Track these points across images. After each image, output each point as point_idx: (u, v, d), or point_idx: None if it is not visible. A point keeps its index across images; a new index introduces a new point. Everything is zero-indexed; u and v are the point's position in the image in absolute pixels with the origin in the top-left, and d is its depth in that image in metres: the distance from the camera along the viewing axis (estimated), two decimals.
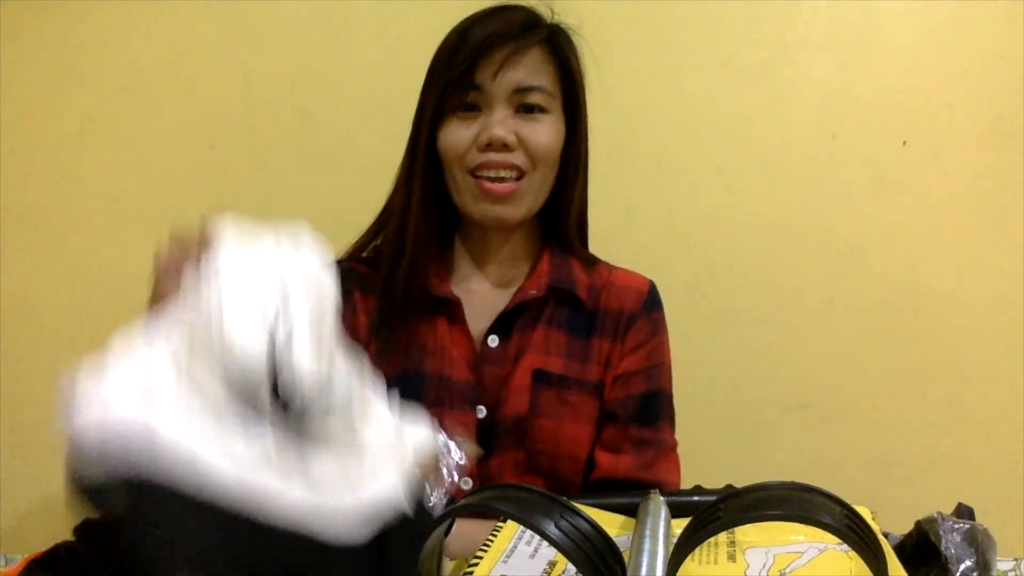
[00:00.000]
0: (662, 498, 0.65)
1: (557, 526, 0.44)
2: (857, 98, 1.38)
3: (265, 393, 0.51)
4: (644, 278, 1.00)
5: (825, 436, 1.43)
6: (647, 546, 0.55)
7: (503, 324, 0.94)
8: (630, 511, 0.67)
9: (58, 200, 1.44)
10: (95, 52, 1.41)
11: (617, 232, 1.41)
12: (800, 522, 0.43)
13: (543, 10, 0.94)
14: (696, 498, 0.74)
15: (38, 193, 1.43)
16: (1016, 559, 0.74)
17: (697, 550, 0.59)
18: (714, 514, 0.45)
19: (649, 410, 0.95)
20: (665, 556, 0.53)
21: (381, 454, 0.58)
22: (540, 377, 0.92)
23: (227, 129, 1.42)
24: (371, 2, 1.40)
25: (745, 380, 1.43)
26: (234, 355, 0.50)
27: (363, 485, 0.54)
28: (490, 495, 0.49)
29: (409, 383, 0.91)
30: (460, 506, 0.50)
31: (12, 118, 1.42)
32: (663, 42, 1.39)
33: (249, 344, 0.51)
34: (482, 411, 0.92)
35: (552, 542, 0.44)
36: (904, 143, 1.38)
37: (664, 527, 0.59)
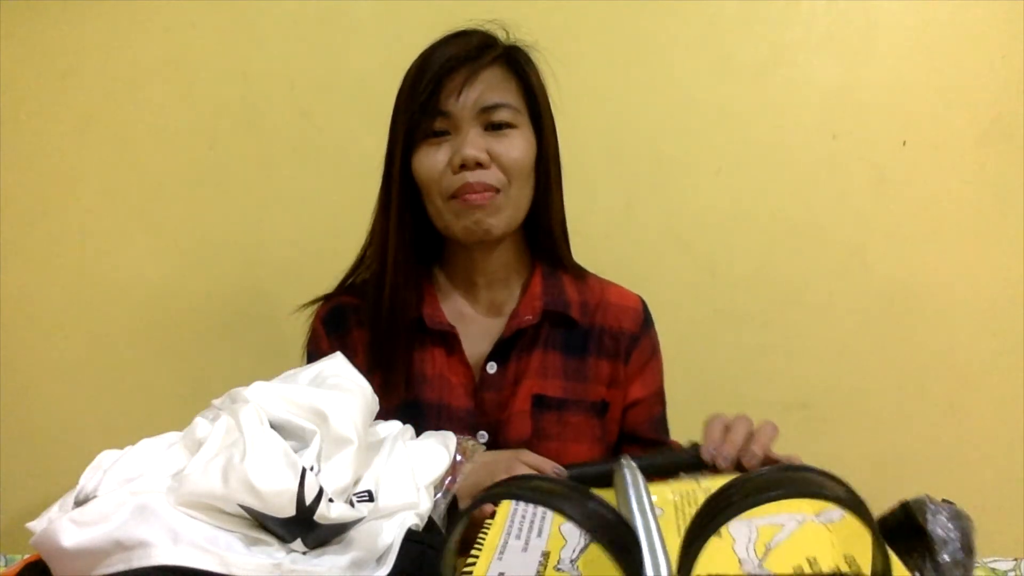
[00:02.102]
0: (635, 463, 0.66)
1: (581, 511, 0.47)
2: (857, 98, 1.38)
3: (282, 526, 0.53)
4: (635, 295, 1.03)
5: (825, 436, 1.43)
6: (647, 523, 0.56)
7: (501, 351, 0.95)
8: (597, 481, 0.68)
9: (58, 200, 1.44)
10: (95, 52, 1.41)
11: (617, 232, 1.41)
12: (810, 498, 0.46)
13: (498, 32, 0.95)
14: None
15: (38, 193, 1.44)
16: (1016, 559, 0.74)
17: (687, 518, 0.61)
18: (728, 499, 0.47)
19: (667, 425, 1.03)
20: (658, 529, 0.55)
21: (397, 507, 0.59)
22: (540, 402, 0.94)
23: (227, 129, 1.42)
24: (371, 2, 1.40)
25: (745, 380, 1.43)
26: (260, 494, 0.52)
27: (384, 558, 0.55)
28: (515, 486, 0.51)
29: (410, 413, 0.92)
30: (485, 496, 0.52)
31: (12, 118, 1.42)
32: (663, 42, 1.39)
33: (277, 487, 0.52)
34: (484, 436, 0.93)
35: (579, 525, 0.47)
36: (904, 143, 1.38)
37: (647, 497, 0.61)
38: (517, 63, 0.93)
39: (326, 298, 1.01)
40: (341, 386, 0.65)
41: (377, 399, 0.67)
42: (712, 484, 0.67)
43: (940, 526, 0.58)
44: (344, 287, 1.01)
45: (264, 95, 1.42)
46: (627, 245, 1.41)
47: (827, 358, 1.43)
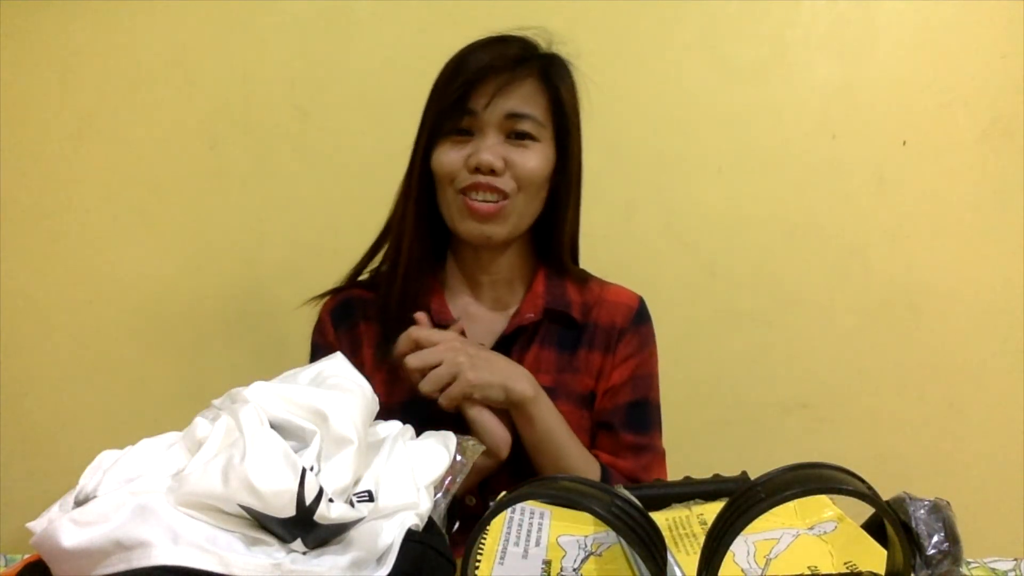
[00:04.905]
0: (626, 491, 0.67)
1: (609, 510, 0.49)
2: (857, 98, 1.38)
3: (282, 526, 0.53)
4: (634, 294, 1.03)
5: (825, 436, 1.43)
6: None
7: (502, 347, 0.96)
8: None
9: (58, 200, 1.44)
10: (95, 52, 1.41)
11: (617, 232, 1.41)
12: (831, 493, 0.48)
13: (540, 39, 0.96)
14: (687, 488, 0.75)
15: (38, 193, 1.44)
16: (1016, 559, 0.75)
17: (680, 541, 0.62)
18: (755, 497, 0.48)
19: (639, 418, 0.99)
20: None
21: (397, 507, 0.59)
22: None
23: (227, 129, 1.42)
24: (371, 2, 1.40)
25: (745, 380, 1.43)
26: (260, 494, 0.52)
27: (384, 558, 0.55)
28: (541, 487, 0.52)
29: (417, 409, 0.93)
30: (515, 496, 0.52)
31: (12, 118, 1.42)
32: (663, 42, 1.39)
33: (277, 487, 0.52)
34: None
35: (608, 523, 0.48)
36: (904, 143, 1.39)
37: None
38: (551, 77, 0.94)
39: (335, 291, 1.02)
40: (341, 386, 0.65)
41: (377, 399, 0.67)
42: (703, 510, 0.68)
43: (923, 520, 0.59)
44: (354, 280, 1.02)
45: (264, 95, 1.42)
46: (627, 245, 1.41)
47: (827, 358, 1.43)
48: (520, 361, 0.95)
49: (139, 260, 1.45)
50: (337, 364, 0.70)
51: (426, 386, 0.85)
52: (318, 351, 1.00)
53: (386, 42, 1.39)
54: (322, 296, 1.02)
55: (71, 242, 1.44)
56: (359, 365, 0.95)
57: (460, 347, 0.86)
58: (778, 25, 1.38)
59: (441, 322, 0.95)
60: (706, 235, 1.42)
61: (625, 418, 0.98)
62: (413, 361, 0.86)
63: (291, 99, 1.41)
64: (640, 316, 1.01)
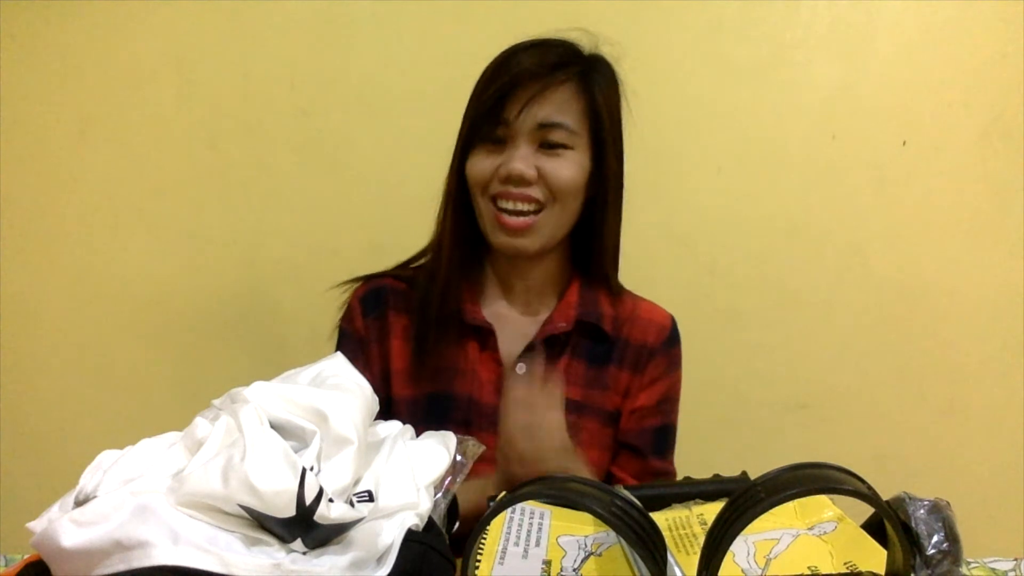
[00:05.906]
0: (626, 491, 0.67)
1: (609, 510, 0.49)
2: (857, 98, 1.38)
3: (282, 527, 0.53)
4: (666, 312, 1.03)
5: (825, 436, 1.43)
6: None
7: (530, 352, 0.96)
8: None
9: (58, 200, 1.44)
10: (95, 52, 1.41)
11: None
12: (831, 493, 0.49)
13: (586, 41, 0.95)
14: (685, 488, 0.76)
15: (38, 193, 1.44)
16: (1016, 559, 0.75)
17: (680, 541, 0.62)
18: (755, 496, 0.48)
19: (662, 443, 1.00)
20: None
21: (396, 507, 0.59)
22: None
23: (227, 129, 1.42)
24: (371, 2, 1.40)
25: (745, 380, 1.43)
26: (260, 494, 0.52)
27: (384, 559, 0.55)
28: (545, 486, 0.53)
29: (439, 404, 0.94)
30: (515, 496, 0.53)
31: (12, 118, 1.42)
32: (663, 42, 1.39)
33: (277, 487, 0.52)
34: None
35: (608, 523, 0.49)
36: (904, 143, 1.38)
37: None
38: (590, 83, 0.93)
39: (367, 278, 1.02)
40: (341, 386, 0.65)
41: (377, 399, 0.68)
42: (703, 510, 0.68)
43: (923, 520, 0.59)
44: (390, 271, 1.02)
45: (264, 95, 1.42)
46: (627, 245, 1.40)
47: (827, 358, 1.43)
48: (550, 370, 0.94)
49: (139, 260, 1.45)
50: (337, 364, 0.70)
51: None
52: (345, 337, 0.99)
53: (386, 42, 1.39)
54: (354, 281, 1.02)
55: (71, 242, 1.44)
56: (386, 354, 0.96)
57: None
58: (778, 25, 1.38)
59: (474, 322, 0.95)
60: (706, 235, 1.41)
61: (651, 444, 0.99)
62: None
63: (291, 99, 1.41)
64: (672, 338, 1.01)
